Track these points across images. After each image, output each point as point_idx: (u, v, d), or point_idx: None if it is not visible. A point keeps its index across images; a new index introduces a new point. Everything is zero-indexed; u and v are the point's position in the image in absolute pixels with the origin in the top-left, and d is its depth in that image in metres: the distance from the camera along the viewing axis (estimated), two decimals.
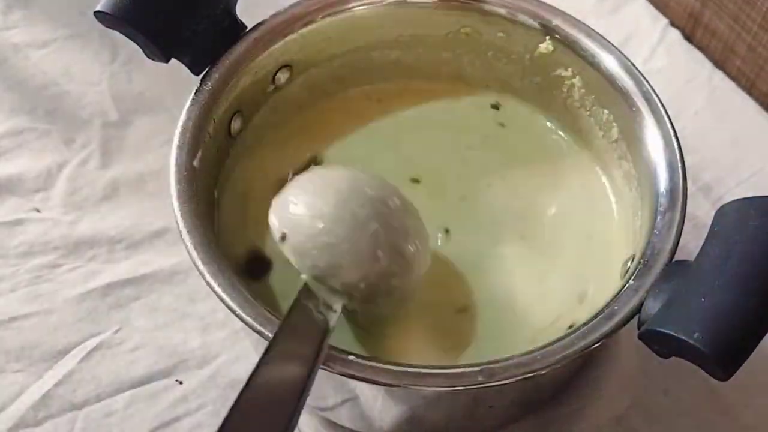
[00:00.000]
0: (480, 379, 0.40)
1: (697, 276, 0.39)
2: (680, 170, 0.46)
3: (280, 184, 0.53)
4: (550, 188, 0.54)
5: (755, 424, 0.52)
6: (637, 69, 0.50)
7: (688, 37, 0.70)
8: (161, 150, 0.63)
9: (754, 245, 0.39)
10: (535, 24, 0.53)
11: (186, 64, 0.49)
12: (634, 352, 0.53)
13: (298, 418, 0.36)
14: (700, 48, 0.69)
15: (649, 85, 0.50)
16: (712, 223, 0.41)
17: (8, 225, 0.59)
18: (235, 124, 0.52)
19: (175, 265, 0.58)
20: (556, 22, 0.53)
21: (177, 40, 0.47)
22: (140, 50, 0.48)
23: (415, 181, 0.54)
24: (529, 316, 0.49)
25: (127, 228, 0.59)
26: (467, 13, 0.55)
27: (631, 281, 0.43)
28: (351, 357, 0.40)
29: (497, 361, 0.40)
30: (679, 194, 0.45)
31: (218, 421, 0.51)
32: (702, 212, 0.61)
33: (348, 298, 0.43)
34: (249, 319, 0.41)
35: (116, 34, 0.47)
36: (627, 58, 0.51)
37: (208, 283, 0.42)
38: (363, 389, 0.44)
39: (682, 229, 0.44)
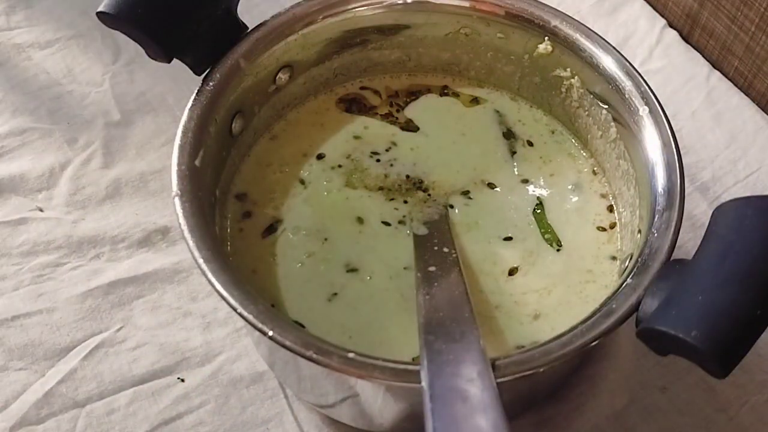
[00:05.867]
0: None
1: (695, 274, 0.40)
2: (678, 170, 0.47)
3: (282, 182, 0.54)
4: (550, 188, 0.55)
5: (752, 421, 0.53)
6: (635, 69, 0.51)
7: (686, 38, 0.70)
8: (163, 150, 0.63)
9: (752, 244, 0.39)
10: (534, 25, 0.54)
11: (188, 65, 0.49)
12: (632, 350, 0.54)
13: None
14: (698, 48, 0.70)
15: (647, 85, 0.50)
16: (710, 222, 0.42)
17: (11, 224, 0.60)
18: (236, 124, 0.52)
19: (177, 264, 0.58)
20: (555, 22, 0.53)
21: (179, 40, 0.48)
22: (142, 50, 0.48)
23: (418, 180, 0.54)
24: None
25: (129, 227, 0.60)
26: (467, 14, 0.55)
27: (629, 280, 0.43)
28: (351, 355, 0.40)
29: (496, 359, 0.40)
30: (676, 193, 0.46)
31: (220, 418, 0.52)
32: (699, 211, 0.61)
33: None
34: (250, 317, 0.41)
35: (118, 35, 0.48)
36: (625, 59, 0.51)
37: (209, 282, 0.43)
38: (364, 387, 0.45)
39: (679, 228, 0.45)
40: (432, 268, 0.47)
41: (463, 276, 0.46)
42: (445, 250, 0.49)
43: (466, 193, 0.54)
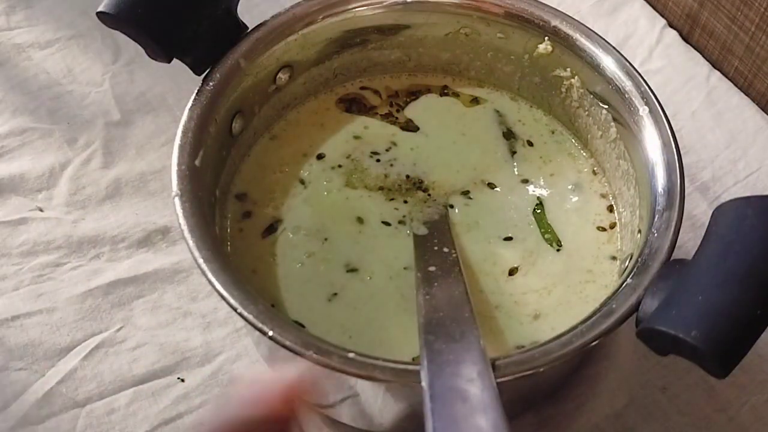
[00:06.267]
0: None
1: (695, 274, 0.40)
2: (678, 170, 0.47)
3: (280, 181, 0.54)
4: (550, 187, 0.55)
5: (752, 421, 0.53)
6: (635, 69, 0.51)
7: (686, 38, 0.70)
8: (163, 150, 0.63)
9: (752, 244, 0.39)
10: (534, 25, 0.54)
11: (188, 65, 0.49)
12: (632, 350, 0.54)
13: None
14: (698, 48, 0.69)
15: (647, 85, 0.50)
16: (710, 222, 0.42)
17: (11, 224, 0.60)
18: (236, 124, 0.52)
19: (177, 264, 0.58)
20: (555, 22, 0.53)
21: (179, 40, 0.48)
22: (142, 50, 0.48)
23: (418, 180, 0.54)
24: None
25: (129, 227, 0.60)
26: (467, 14, 0.55)
27: (629, 280, 0.43)
28: (351, 355, 0.40)
29: (497, 359, 0.40)
30: (676, 193, 0.46)
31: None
32: (699, 211, 0.61)
33: None
34: (250, 317, 0.41)
35: (118, 35, 0.48)
36: (625, 59, 0.51)
37: (209, 282, 0.43)
38: (363, 387, 0.45)
39: (679, 228, 0.45)
40: (432, 268, 0.47)
41: (463, 276, 0.46)
42: (445, 250, 0.49)
43: (466, 193, 0.54)
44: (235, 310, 0.42)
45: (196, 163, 0.47)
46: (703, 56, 0.69)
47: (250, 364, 0.54)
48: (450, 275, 0.47)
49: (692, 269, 0.40)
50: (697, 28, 0.69)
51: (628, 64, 0.51)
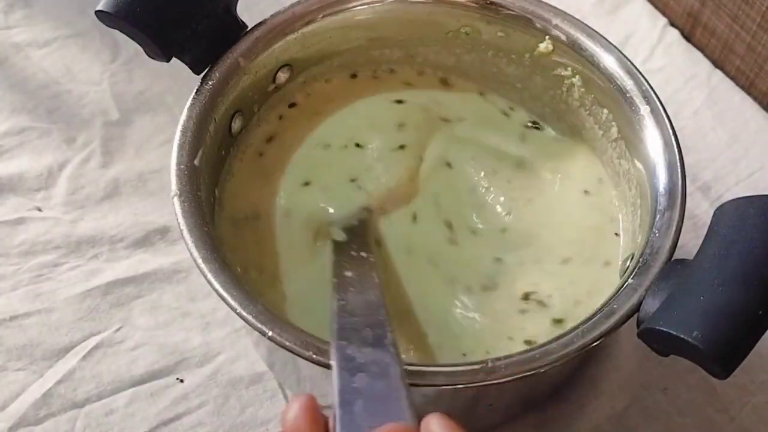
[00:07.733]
0: (480, 376, 0.40)
1: (696, 275, 0.40)
2: (679, 169, 0.46)
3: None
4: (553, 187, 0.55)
5: (754, 422, 0.52)
6: (636, 68, 0.51)
7: (687, 37, 0.70)
8: (162, 149, 0.63)
9: (753, 244, 0.39)
10: (535, 24, 0.53)
11: (187, 64, 0.49)
12: (633, 351, 0.53)
13: None
14: (699, 47, 0.69)
15: (649, 84, 0.50)
16: (711, 222, 0.41)
17: (10, 224, 0.59)
18: (236, 123, 0.52)
19: (176, 264, 0.58)
20: (556, 21, 0.53)
21: (178, 39, 0.48)
22: (141, 49, 0.48)
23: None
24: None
25: (128, 227, 0.60)
26: (467, 12, 0.55)
27: (630, 280, 0.43)
28: None
29: (497, 359, 0.40)
30: (678, 193, 0.46)
31: (219, 419, 0.52)
32: (701, 211, 0.61)
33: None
34: (249, 318, 0.41)
35: (117, 34, 0.48)
36: (626, 58, 0.51)
37: (209, 282, 0.42)
38: None
39: (681, 228, 0.44)
40: (348, 273, 0.46)
41: (379, 280, 0.45)
42: (363, 254, 0.48)
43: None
44: (234, 310, 0.42)
45: (195, 162, 0.47)
46: (704, 55, 0.69)
47: (250, 365, 0.54)
48: (366, 280, 0.45)
49: (694, 269, 0.40)
50: (699, 27, 0.68)
51: (629, 63, 0.51)
